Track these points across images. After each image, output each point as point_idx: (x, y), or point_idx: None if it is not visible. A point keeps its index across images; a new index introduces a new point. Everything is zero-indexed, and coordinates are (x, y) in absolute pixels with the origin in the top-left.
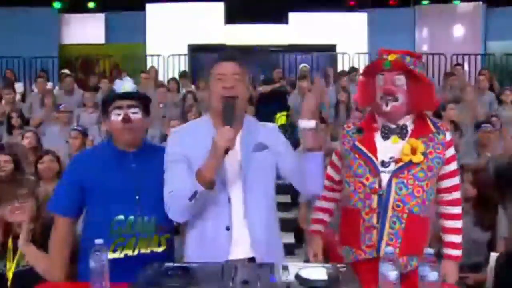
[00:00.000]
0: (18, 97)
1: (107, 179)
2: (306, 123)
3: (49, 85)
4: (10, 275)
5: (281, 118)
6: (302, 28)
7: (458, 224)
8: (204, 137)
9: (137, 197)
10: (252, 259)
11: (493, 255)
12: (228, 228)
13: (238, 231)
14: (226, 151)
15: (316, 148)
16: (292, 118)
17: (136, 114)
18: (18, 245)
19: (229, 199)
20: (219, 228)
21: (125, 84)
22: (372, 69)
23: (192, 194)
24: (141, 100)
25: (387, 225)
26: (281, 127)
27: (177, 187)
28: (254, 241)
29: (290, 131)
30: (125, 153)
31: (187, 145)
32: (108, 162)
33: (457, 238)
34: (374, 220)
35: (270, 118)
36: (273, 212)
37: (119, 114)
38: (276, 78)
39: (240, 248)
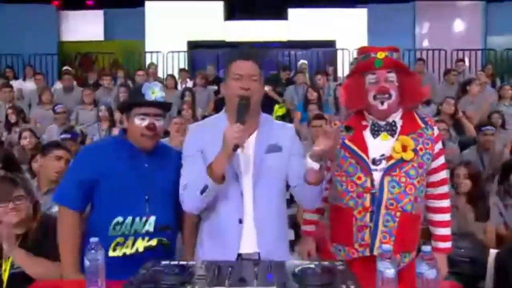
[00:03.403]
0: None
1: (119, 176)
2: (311, 164)
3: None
4: (5, 276)
5: (280, 109)
6: (302, 24)
7: (447, 217)
8: (219, 133)
9: (146, 197)
10: (258, 254)
11: (493, 251)
12: (240, 221)
13: (249, 224)
14: (235, 148)
15: (316, 184)
16: (288, 109)
17: (159, 122)
18: (4, 251)
19: (242, 193)
20: (232, 220)
21: (155, 89)
22: (362, 69)
23: (203, 188)
24: (166, 108)
25: (380, 223)
26: (280, 118)
27: (191, 181)
28: (260, 235)
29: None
30: (139, 153)
31: (204, 140)
32: (122, 159)
33: (446, 231)
34: (367, 219)
35: (269, 111)
36: (281, 210)
37: (143, 119)
38: (283, 79)
39: (250, 242)
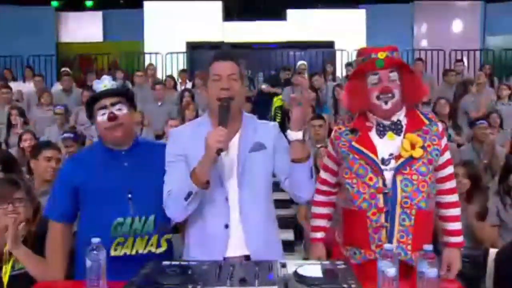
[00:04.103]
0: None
1: (100, 180)
2: (295, 134)
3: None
4: (5, 279)
5: (279, 100)
6: (300, 24)
7: (457, 211)
8: (203, 137)
9: (129, 196)
10: (248, 257)
11: (493, 250)
12: (226, 226)
13: (236, 229)
14: (219, 152)
15: (303, 159)
16: (287, 110)
17: (121, 110)
18: (9, 247)
19: (227, 198)
20: (218, 226)
21: (105, 82)
22: (364, 70)
23: (187, 194)
24: (124, 95)
25: (396, 223)
26: (278, 108)
27: (175, 187)
28: (249, 239)
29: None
30: (117, 152)
31: (186, 145)
32: (100, 163)
33: (457, 225)
34: (382, 219)
35: (268, 109)
36: (270, 211)
37: (104, 114)
38: (282, 79)
39: (237, 245)
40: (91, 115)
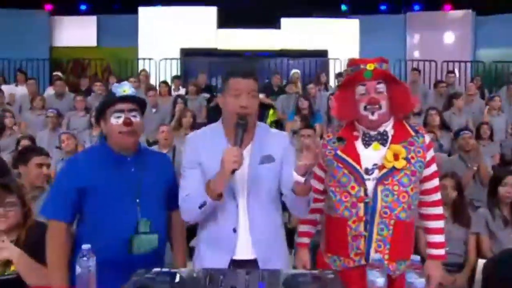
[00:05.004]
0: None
1: (108, 183)
2: (297, 177)
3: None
4: None
5: (274, 115)
6: (294, 33)
7: (440, 224)
8: (216, 145)
9: (137, 201)
10: (256, 261)
11: (481, 261)
12: (234, 230)
13: (243, 233)
14: (233, 171)
15: (303, 195)
16: (279, 119)
17: (136, 118)
18: (2, 256)
19: (237, 206)
20: (227, 229)
21: (125, 87)
22: (352, 81)
23: (202, 203)
24: (140, 104)
25: (374, 232)
26: (273, 122)
27: (191, 193)
28: (255, 244)
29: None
30: (124, 157)
31: (201, 152)
32: (107, 166)
33: (440, 238)
34: (362, 228)
35: (262, 120)
36: (276, 219)
37: (119, 117)
38: (274, 86)
39: (245, 249)
40: (99, 117)
